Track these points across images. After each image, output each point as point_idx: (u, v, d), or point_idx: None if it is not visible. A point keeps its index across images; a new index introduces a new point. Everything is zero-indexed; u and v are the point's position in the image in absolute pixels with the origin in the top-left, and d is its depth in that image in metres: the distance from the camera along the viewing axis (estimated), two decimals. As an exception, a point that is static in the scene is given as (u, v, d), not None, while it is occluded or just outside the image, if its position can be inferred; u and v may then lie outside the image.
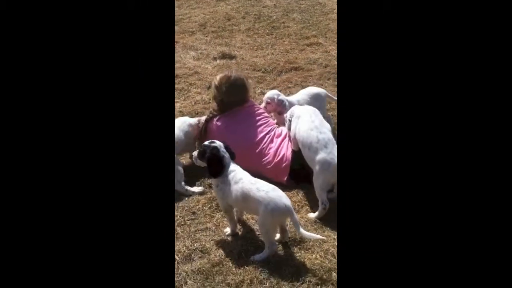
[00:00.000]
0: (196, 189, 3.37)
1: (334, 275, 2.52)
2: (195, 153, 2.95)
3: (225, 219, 2.98)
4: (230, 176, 2.78)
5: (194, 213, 3.13)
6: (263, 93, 4.67)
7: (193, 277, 2.56)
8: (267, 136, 3.55)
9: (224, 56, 5.73)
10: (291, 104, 3.78)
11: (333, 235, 2.84)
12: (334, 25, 6.54)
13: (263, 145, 3.51)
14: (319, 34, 6.33)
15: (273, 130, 3.61)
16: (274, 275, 2.54)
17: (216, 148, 2.83)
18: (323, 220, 2.99)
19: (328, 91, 4.17)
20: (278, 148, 3.47)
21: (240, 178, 2.76)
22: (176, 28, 6.47)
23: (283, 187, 3.05)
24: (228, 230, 2.92)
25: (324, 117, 4.01)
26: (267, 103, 3.80)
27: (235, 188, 2.74)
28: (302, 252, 2.70)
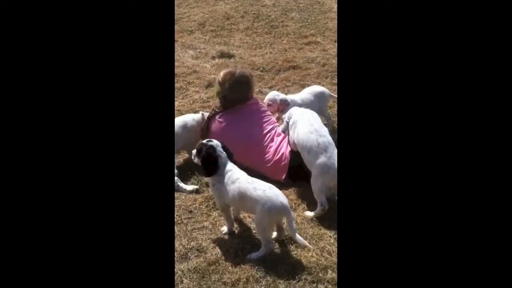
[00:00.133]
0: (189, 187, 3.36)
1: (330, 272, 2.53)
2: (194, 151, 2.95)
3: (222, 217, 2.98)
4: (227, 176, 2.78)
5: (191, 211, 3.13)
6: (262, 92, 4.71)
7: (189, 276, 2.56)
8: (268, 134, 3.56)
9: (222, 55, 5.73)
10: (294, 103, 3.79)
11: (329, 232, 2.85)
12: (332, 24, 6.55)
13: (264, 144, 3.51)
14: (317, 33, 6.33)
15: (274, 128, 3.60)
16: (270, 274, 2.55)
17: (212, 147, 2.83)
18: (319, 218, 2.99)
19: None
20: (278, 146, 3.48)
21: (237, 177, 2.76)
22: (175, 27, 6.47)
23: (280, 185, 3.06)
24: (225, 228, 2.92)
25: (325, 115, 4.04)
26: (269, 105, 3.80)
27: (232, 188, 2.74)
28: (298, 250, 2.71)
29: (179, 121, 3.69)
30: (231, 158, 2.88)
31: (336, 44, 5.84)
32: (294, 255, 2.68)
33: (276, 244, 2.77)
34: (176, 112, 4.20)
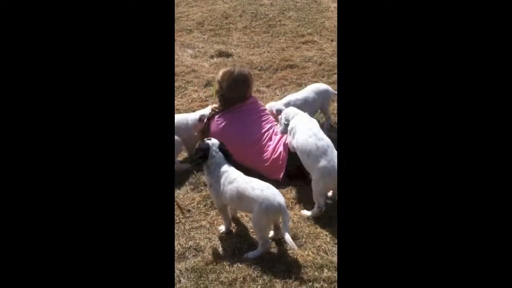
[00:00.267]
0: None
1: (326, 271, 2.56)
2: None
3: (220, 217, 3.01)
4: (224, 177, 2.81)
5: (189, 210, 3.16)
6: (259, 91, 4.75)
7: (187, 276, 2.59)
8: (267, 133, 3.58)
9: (221, 54, 5.76)
10: (296, 102, 3.82)
11: (325, 231, 2.88)
12: (329, 23, 6.57)
13: (262, 142, 3.54)
14: (314, 32, 6.35)
15: (272, 127, 3.63)
16: (267, 273, 2.58)
17: (207, 145, 2.89)
18: (316, 217, 3.02)
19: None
20: (276, 145, 3.50)
21: (234, 178, 2.79)
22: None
23: (277, 184, 3.09)
24: (222, 228, 2.95)
25: (326, 113, 4.07)
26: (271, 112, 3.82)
27: (230, 188, 2.77)
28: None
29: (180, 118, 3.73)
30: (229, 158, 2.90)
31: (333, 43, 5.88)
32: (291, 254, 2.71)
33: (273, 243, 2.80)
34: (175, 111, 4.22)
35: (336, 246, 2.74)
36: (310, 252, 2.71)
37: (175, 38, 6.17)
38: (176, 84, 4.94)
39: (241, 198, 2.73)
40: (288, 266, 2.63)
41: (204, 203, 3.22)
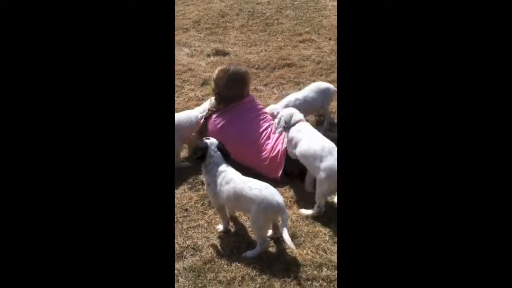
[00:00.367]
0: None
1: (325, 270, 2.55)
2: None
3: (218, 216, 2.99)
4: (221, 177, 2.79)
5: (186, 210, 3.14)
6: (257, 89, 4.73)
7: (185, 275, 2.58)
8: (265, 132, 3.56)
9: (217, 53, 5.73)
10: (298, 101, 3.81)
11: (324, 230, 2.87)
12: (326, 22, 6.55)
13: (260, 141, 3.52)
14: (312, 30, 6.34)
15: (270, 126, 3.60)
16: (266, 272, 2.56)
17: (206, 144, 2.86)
18: (315, 216, 3.01)
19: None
20: (275, 144, 3.48)
21: (231, 178, 2.77)
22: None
23: (275, 183, 3.08)
24: (220, 227, 2.93)
25: (326, 111, 4.05)
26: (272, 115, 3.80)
27: (227, 188, 2.75)
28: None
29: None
30: (227, 158, 2.89)
31: (330, 41, 5.86)
32: (289, 253, 2.70)
33: (272, 242, 2.78)
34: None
35: (335, 245, 2.73)
36: (309, 251, 2.69)
37: (172, 37, 6.14)
38: (173, 83, 4.93)
39: (239, 198, 2.71)
40: (286, 265, 2.61)
41: (202, 202, 3.20)
